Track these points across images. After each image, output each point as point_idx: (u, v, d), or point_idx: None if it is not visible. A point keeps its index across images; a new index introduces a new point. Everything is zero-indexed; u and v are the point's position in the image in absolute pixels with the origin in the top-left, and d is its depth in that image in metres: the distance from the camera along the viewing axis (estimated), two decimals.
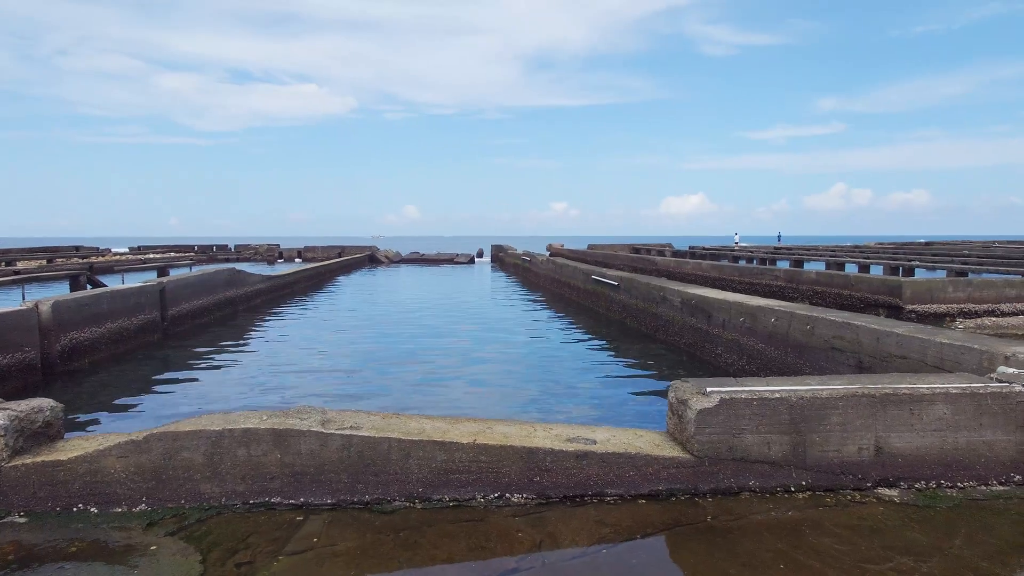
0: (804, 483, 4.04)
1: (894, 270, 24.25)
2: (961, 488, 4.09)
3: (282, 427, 3.69)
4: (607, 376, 9.59)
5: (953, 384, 4.14)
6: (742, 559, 3.27)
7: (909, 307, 14.24)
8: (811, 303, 17.72)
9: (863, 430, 4.05)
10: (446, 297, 22.58)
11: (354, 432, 3.73)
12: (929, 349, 6.04)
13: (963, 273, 21.13)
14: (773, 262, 30.83)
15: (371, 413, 4.16)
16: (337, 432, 3.71)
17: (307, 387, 8.78)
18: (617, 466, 3.91)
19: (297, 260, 47.23)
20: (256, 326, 14.80)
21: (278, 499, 3.71)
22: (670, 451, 4.00)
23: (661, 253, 44.51)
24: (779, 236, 54.55)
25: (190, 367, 10.18)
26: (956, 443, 4.10)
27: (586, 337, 13.61)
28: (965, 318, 14.48)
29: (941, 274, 22.66)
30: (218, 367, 10.14)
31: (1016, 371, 4.55)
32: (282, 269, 28.12)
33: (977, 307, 14.32)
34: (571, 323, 15.79)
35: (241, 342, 12.53)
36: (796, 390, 4.06)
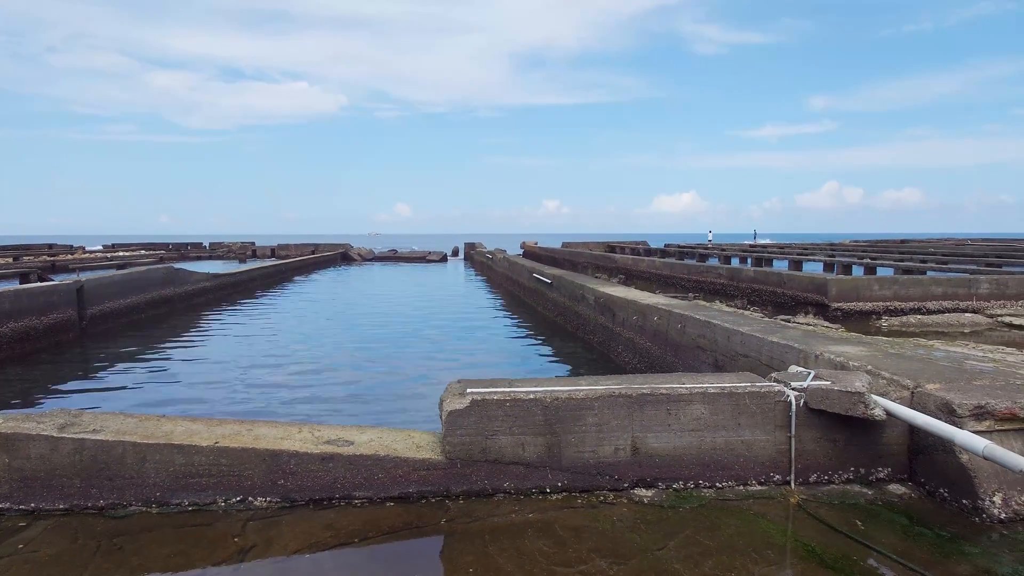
0: (560, 484, 4.04)
1: (846, 268, 24.32)
2: (720, 488, 4.11)
3: (10, 431, 3.66)
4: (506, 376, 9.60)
5: (712, 384, 4.15)
6: (445, 563, 3.27)
7: (835, 305, 14.30)
8: (749, 301, 17.80)
9: (619, 430, 4.06)
10: (402, 296, 22.52)
11: (87, 436, 3.70)
12: (763, 348, 6.07)
13: (911, 271, 21.24)
14: (728, 260, 30.90)
15: (129, 416, 4.14)
16: (68, 436, 3.68)
17: (194, 390, 8.74)
18: (365, 469, 3.90)
19: (271, 258, 47.04)
20: (191, 326, 14.70)
21: (7, 504, 3.68)
22: (423, 453, 3.99)
23: (635, 251, 44.61)
24: (754, 234, 54.68)
25: (94, 368, 10.12)
26: (714, 443, 4.11)
27: (516, 335, 13.63)
28: (891, 316, 14.55)
29: (890, 271, 22.78)
30: (123, 368, 10.08)
31: (798, 370, 4.57)
32: (238, 267, 28.01)
33: (903, 305, 14.40)
34: (509, 321, 15.81)
35: (163, 343, 12.45)
36: (551, 391, 4.05)
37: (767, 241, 47.72)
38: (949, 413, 3.87)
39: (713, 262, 31.29)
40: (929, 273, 20.43)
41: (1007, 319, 13.74)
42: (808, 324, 13.73)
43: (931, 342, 11.19)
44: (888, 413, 3.92)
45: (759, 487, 4.13)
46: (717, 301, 18.59)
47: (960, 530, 3.56)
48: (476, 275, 32.98)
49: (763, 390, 4.13)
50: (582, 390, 4.06)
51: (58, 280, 15.35)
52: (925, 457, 4.07)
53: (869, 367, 4.64)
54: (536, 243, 50.07)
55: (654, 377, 4.31)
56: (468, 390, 4.08)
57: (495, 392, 4.01)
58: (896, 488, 4.09)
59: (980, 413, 3.81)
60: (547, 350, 11.86)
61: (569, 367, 10.44)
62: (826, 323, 13.91)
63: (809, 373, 4.37)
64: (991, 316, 14.05)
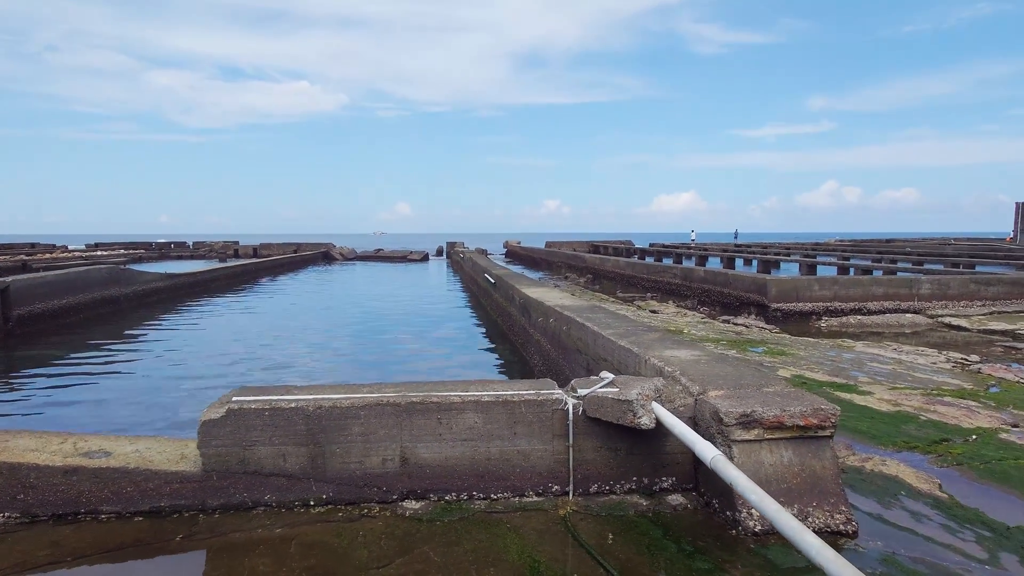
0: (324, 496, 3.89)
1: (811, 268, 24.12)
2: (494, 499, 3.96)
3: None
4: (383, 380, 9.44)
5: (486, 392, 4.00)
6: None
7: (774, 305, 14.15)
8: (700, 301, 17.65)
9: (388, 440, 3.91)
10: (365, 297, 22.32)
11: None
12: (615, 352, 5.92)
13: (868, 271, 21.05)
14: (703, 261, 30.74)
15: None
16: None
17: (83, 395, 8.60)
18: (113, 482, 3.75)
19: (252, 257, 46.92)
20: (128, 328, 14.53)
21: None
22: (180, 466, 3.85)
23: (617, 251, 44.49)
24: (736, 233, 54.45)
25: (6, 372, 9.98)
26: (489, 453, 3.97)
27: (451, 335, 13.50)
28: (831, 316, 14.38)
29: (857, 271, 22.60)
30: (37, 372, 9.93)
31: (603, 377, 4.41)
32: (204, 266, 27.86)
33: (843, 305, 14.24)
34: (457, 322, 15.66)
35: (86, 347, 12.30)
36: (315, 399, 3.91)
37: (749, 241, 47.54)
38: (718, 421, 3.72)
39: (689, 263, 31.17)
40: (901, 274, 20.28)
41: (947, 319, 13.58)
42: (744, 325, 13.61)
43: (853, 343, 11.08)
44: (658, 422, 3.77)
45: (536, 498, 3.98)
46: (652, 300, 18.46)
47: (709, 543, 3.41)
48: (453, 274, 32.88)
49: (540, 398, 3.98)
50: (347, 398, 3.92)
51: None
52: (704, 467, 3.91)
53: (678, 372, 4.48)
54: (519, 243, 49.91)
55: (428, 385, 4.15)
56: (235, 398, 3.93)
57: (255, 401, 3.86)
58: (675, 499, 3.94)
59: (747, 421, 3.66)
60: (477, 353, 11.73)
61: (486, 370, 10.29)
62: (764, 324, 13.78)
63: (604, 380, 4.22)
64: (932, 317, 13.90)
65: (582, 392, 4.03)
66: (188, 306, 18.41)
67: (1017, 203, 41.78)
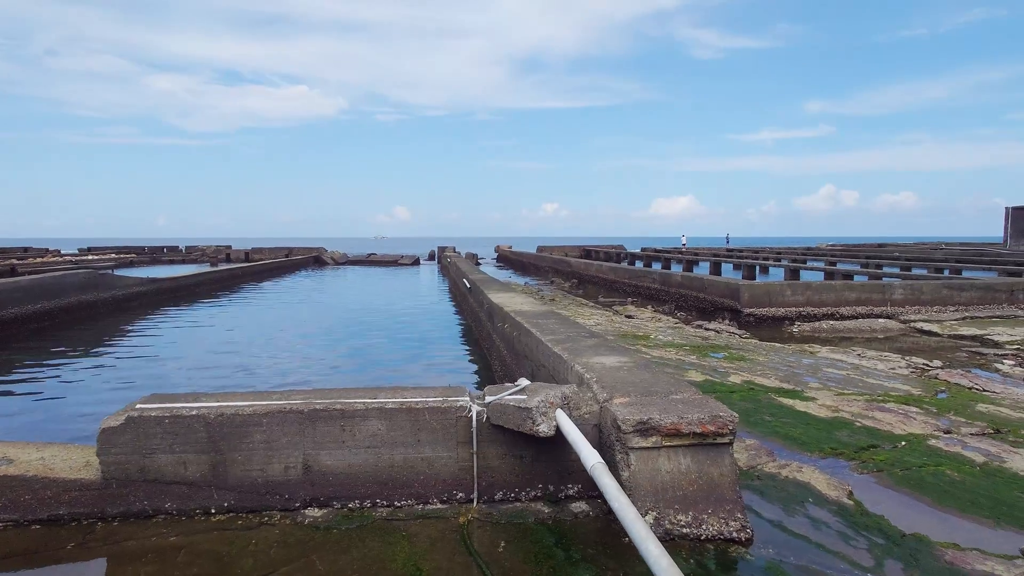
0: (226, 504, 3.88)
1: (795, 273, 24.15)
2: (398, 507, 3.95)
3: None
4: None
5: (390, 400, 3.99)
6: None
7: (747, 310, 14.15)
8: (677, 306, 17.66)
9: (290, 448, 3.90)
10: (351, 302, 22.32)
11: None
12: (550, 358, 5.92)
13: (849, 276, 21.07)
14: (691, 266, 30.78)
15: None
16: None
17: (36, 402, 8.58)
18: (10, 490, 3.74)
19: (243, 262, 46.92)
20: (107, 334, 14.50)
21: None
22: (80, 473, 3.83)
23: (608, 256, 44.56)
24: (727, 238, 54.50)
25: None
26: (392, 460, 3.96)
27: (423, 340, 13.48)
28: (803, 321, 14.37)
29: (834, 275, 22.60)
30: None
31: (519, 384, 4.40)
32: (189, 270, 27.83)
33: (816, 310, 14.25)
34: (432, 325, 15.65)
35: (63, 353, 12.29)
36: (217, 406, 3.90)
37: (741, 246, 47.61)
38: (616, 428, 3.72)
39: (677, 268, 31.22)
40: (885, 279, 20.29)
41: (920, 324, 13.58)
42: (715, 330, 13.60)
43: (819, 348, 11.07)
44: (558, 429, 3.76)
45: (440, 505, 3.97)
46: (631, 305, 18.46)
47: (598, 552, 3.40)
48: (443, 279, 32.88)
49: (445, 406, 3.97)
50: (250, 406, 3.91)
51: None
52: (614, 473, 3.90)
53: (594, 379, 4.47)
54: (510, 247, 49.96)
55: (335, 392, 4.15)
56: (137, 406, 3.93)
57: (155, 408, 3.85)
58: (579, 506, 3.93)
59: (644, 429, 3.65)
60: (446, 357, 11.71)
61: (451, 377, 10.28)
62: (736, 329, 13.78)
63: (516, 387, 4.21)
64: (905, 322, 13.89)
65: (489, 399, 4.02)
66: (167, 312, 18.40)
67: (1006, 208, 41.86)
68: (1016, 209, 41.52)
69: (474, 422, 3.94)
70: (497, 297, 10.93)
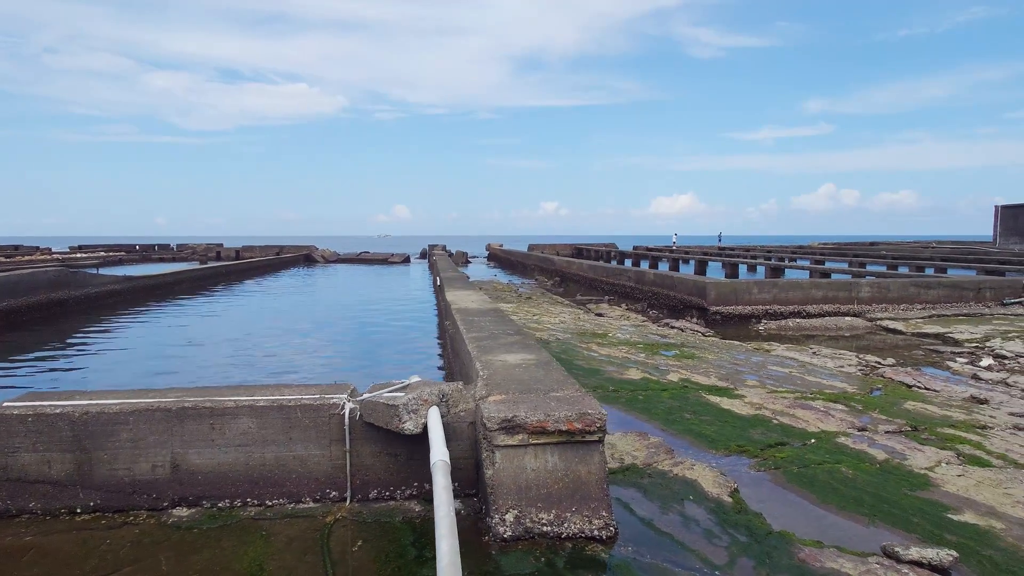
0: (92, 504, 3.82)
1: (776, 271, 24.03)
2: (269, 506, 3.89)
3: None
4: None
5: (262, 398, 3.93)
6: None
7: (714, 308, 14.08)
8: (650, 304, 17.58)
9: (158, 446, 3.84)
10: (335, 301, 22.20)
11: None
12: (466, 356, 5.86)
13: (827, 275, 20.97)
14: (678, 265, 30.70)
15: None
16: None
17: None
18: None
19: (234, 260, 46.86)
20: (72, 334, 14.44)
21: None
22: None
23: (599, 254, 44.47)
24: (720, 236, 54.43)
25: None
26: (264, 459, 3.90)
27: (392, 339, 13.43)
28: (770, 319, 14.30)
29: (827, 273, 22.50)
30: None
31: (410, 381, 4.33)
32: (169, 268, 27.75)
33: (783, 308, 14.18)
34: (407, 325, 15.58)
35: (17, 351, 12.23)
36: (83, 405, 3.84)
37: (733, 245, 47.51)
38: (483, 426, 3.66)
39: (664, 267, 31.16)
40: (870, 278, 20.24)
41: (886, 323, 13.51)
42: (680, 328, 13.53)
43: (776, 347, 11.00)
44: (425, 428, 3.70)
45: (313, 505, 3.91)
46: (605, 303, 18.40)
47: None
48: (431, 276, 32.83)
49: (318, 403, 3.92)
50: (116, 404, 3.85)
51: None
52: (481, 472, 3.85)
53: (485, 376, 4.42)
54: (501, 246, 49.87)
55: (206, 390, 4.09)
56: (4, 404, 3.87)
57: (18, 406, 3.80)
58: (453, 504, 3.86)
59: (510, 427, 3.59)
60: (398, 357, 11.65)
61: (407, 374, 10.21)
62: (702, 327, 13.71)
63: (399, 384, 4.15)
64: (871, 320, 13.82)
65: (364, 397, 3.97)
66: (141, 310, 18.33)
67: (996, 206, 41.78)
68: (1006, 208, 41.45)
69: (347, 420, 3.89)
70: (451, 295, 10.87)
